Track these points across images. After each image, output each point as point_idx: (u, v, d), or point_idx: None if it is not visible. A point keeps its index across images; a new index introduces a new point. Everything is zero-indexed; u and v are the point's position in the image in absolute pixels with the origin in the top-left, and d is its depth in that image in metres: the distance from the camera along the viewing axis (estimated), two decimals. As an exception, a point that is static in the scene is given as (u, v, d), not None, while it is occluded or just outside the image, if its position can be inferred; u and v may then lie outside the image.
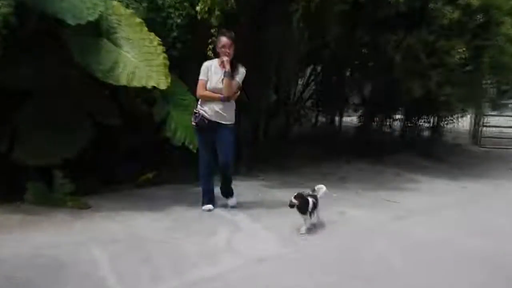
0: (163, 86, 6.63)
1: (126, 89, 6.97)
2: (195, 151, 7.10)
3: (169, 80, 6.67)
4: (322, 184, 6.58)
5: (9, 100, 6.87)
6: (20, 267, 4.76)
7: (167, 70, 6.72)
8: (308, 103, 12.95)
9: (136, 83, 6.48)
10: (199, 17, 7.37)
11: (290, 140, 11.51)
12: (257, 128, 9.76)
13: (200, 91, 6.50)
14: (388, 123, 13.47)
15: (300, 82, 12.32)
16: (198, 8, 7.32)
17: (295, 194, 5.97)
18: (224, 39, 6.42)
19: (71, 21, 6.32)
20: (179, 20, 7.59)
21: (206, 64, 6.55)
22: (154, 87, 6.60)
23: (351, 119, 14.02)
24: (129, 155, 7.74)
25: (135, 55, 6.75)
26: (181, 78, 7.56)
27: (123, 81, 6.44)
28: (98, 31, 6.75)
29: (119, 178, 7.57)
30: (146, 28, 6.96)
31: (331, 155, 11.00)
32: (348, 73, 12.84)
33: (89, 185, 6.97)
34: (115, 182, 7.48)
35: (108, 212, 6.40)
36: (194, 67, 6.82)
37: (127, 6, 7.08)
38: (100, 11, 6.61)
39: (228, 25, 7.22)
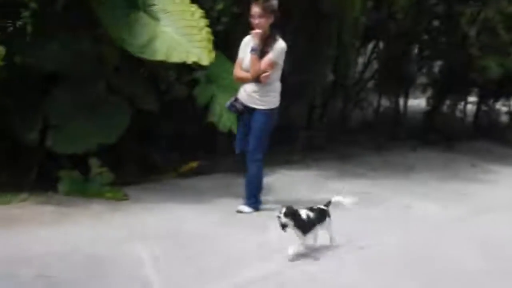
0: (205, 61, 6.57)
1: (165, 71, 6.95)
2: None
3: (212, 56, 6.63)
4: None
5: (40, 84, 7.02)
6: (54, 264, 4.75)
7: (210, 46, 6.66)
8: (370, 84, 12.71)
9: (175, 59, 6.49)
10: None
11: (349, 126, 11.43)
12: (312, 112, 9.65)
13: (235, 70, 6.41)
14: (460, 107, 13.13)
15: (360, 60, 12.10)
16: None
17: (284, 209, 4.98)
18: (253, 8, 6.17)
19: (104, -7, 6.36)
20: (225, -8, 7.52)
21: (245, 39, 6.39)
22: (196, 64, 6.62)
23: (418, 102, 13.95)
24: (170, 143, 7.79)
25: (175, 29, 6.75)
26: (228, 56, 7.47)
27: (160, 56, 6.45)
28: (134, 3, 6.83)
29: (160, 167, 7.64)
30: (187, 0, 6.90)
31: (395, 142, 10.96)
32: (415, 50, 12.54)
33: (128, 175, 7.07)
34: (155, 172, 7.56)
35: (149, 204, 6.47)
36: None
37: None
38: (135, -19, 6.64)
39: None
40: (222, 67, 7.34)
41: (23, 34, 6.46)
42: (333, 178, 8.28)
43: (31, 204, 6.24)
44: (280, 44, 6.24)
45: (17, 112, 7.02)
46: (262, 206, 6.55)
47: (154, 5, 6.85)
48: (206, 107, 7.31)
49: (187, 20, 6.74)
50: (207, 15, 6.95)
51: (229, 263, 4.94)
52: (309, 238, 5.15)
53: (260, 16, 6.12)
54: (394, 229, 6.04)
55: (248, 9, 6.84)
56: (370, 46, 12.37)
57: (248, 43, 6.30)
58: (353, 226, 6.01)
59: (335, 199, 5.54)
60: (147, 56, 6.45)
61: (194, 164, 7.81)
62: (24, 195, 6.43)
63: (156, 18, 6.77)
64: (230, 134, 7.36)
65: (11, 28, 6.96)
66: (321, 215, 5.32)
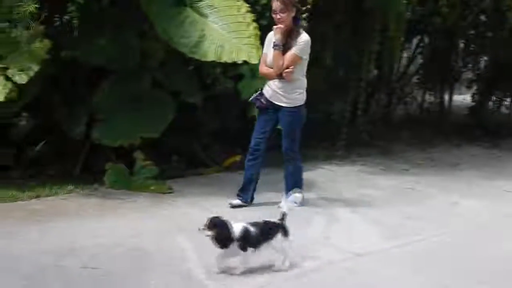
0: (254, 60, 6.52)
1: (211, 66, 7.00)
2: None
3: (260, 53, 6.50)
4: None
5: (87, 78, 7.15)
6: (98, 256, 4.82)
7: (258, 42, 6.59)
8: (414, 80, 12.57)
9: (225, 58, 6.47)
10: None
11: (393, 121, 11.36)
12: (355, 107, 9.60)
13: (259, 67, 6.31)
14: (506, 103, 12.90)
15: (404, 55, 11.98)
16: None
17: (210, 218, 4.41)
18: (273, 2, 6.05)
19: (151, -11, 6.46)
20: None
21: (269, 35, 6.23)
22: (245, 61, 6.59)
23: (463, 98, 13.73)
24: (213, 137, 7.82)
25: (222, 25, 6.74)
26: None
27: (211, 57, 6.46)
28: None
29: (204, 161, 7.70)
30: (236, -3, 6.89)
31: (439, 138, 10.81)
32: (461, 45, 12.34)
33: (172, 169, 7.21)
34: (199, 166, 7.63)
35: (193, 197, 6.52)
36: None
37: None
38: (184, -24, 6.72)
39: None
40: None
41: (70, 29, 6.56)
42: (376, 174, 8.23)
43: (77, 196, 6.38)
44: (304, 38, 6.08)
45: (64, 106, 7.25)
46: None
47: (201, 0, 6.86)
48: (250, 102, 7.32)
49: (234, 15, 6.74)
50: (252, 10, 6.95)
51: (272, 257, 4.82)
52: (248, 255, 4.49)
53: (282, 11, 5.98)
54: (440, 226, 5.96)
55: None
56: (415, 41, 12.17)
57: (271, 39, 6.17)
58: (399, 223, 6.01)
59: (284, 208, 4.79)
60: (198, 56, 6.50)
61: (237, 158, 7.81)
62: (70, 187, 6.61)
63: (203, 15, 6.79)
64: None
65: (58, 23, 7.13)
66: (269, 232, 4.57)
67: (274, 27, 6.06)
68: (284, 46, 6.01)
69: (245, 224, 4.48)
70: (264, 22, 7.26)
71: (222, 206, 6.22)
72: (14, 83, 6.29)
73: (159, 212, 6.09)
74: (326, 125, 9.29)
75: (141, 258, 4.85)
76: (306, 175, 7.19)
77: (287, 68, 6.01)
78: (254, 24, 6.78)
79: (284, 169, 6.42)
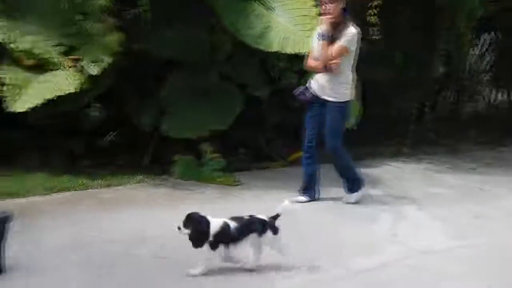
0: None
1: (277, 58, 7.01)
2: (350, 128, 7.06)
3: None
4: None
5: (155, 71, 7.28)
6: (168, 245, 4.87)
7: None
8: (483, 77, 12.31)
9: (289, 49, 6.56)
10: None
11: (461, 120, 11.17)
12: (423, 104, 9.49)
13: (305, 60, 6.17)
14: None
15: (474, 52, 11.75)
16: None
17: (187, 215, 4.22)
18: None
19: (221, -20, 6.68)
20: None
21: (318, 28, 6.03)
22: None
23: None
24: (277, 130, 7.85)
25: (288, 18, 6.82)
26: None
27: (275, 47, 6.57)
28: (250, -8, 6.98)
29: (269, 154, 7.83)
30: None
31: (509, 137, 10.53)
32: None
33: (239, 161, 7.35)
34: (265, 159, 7.75)
35: (259, 190, 6.59)
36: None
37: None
38: (250, -28, 6.92)
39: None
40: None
41: (141, 22, 6.76)
42: (443, 172, 8.09)
43: (146, 186, 6.55)
44: (352, 30, 5.90)
45: (134, 98, 7.42)
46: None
47: (267, -6, 6.85)
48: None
49: (299, 9, 6.82)
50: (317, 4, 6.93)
51: (338, 253, 4.95)
52: (215, 255, 4.26)
53: (330, 1, 5.84)
54: (508, 227, 5.81)
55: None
56: (485, 38, 11.92)
57: (319, 32, 6.03)
58: (466, 222, 5.92)
59: (282, 208, 4.50)
60: (262, 47, 6.56)
61: (302, 154, 7.79)
62: (139, 177, 6.80)
63: (270, 8, 6.91)
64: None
65: (129, 16, 7.26)
66: (254, 227, 4.36)
67: (321, 17, 5.97)
68: (332, 37, 5.87)
69: (225, 220, 4.25)
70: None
71: (287, 198, 6.17)
72: (87, 75, 6.54)
73: (226, 204, 6.14)
74: (394, 122, 9.21)
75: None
76: (373, 172, 7.30)
77: (334, 60, 5.87)
78: (319, 18, 6.76)
79: (336, 166, 6.32)
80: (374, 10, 7.16)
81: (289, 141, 7.94)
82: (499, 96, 12.54)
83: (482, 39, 11.96)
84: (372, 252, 4.99)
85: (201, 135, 7.15)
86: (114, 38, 6.79)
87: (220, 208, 5.90)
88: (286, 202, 4.62)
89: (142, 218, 5.53)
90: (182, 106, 7.24)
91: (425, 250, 5.06)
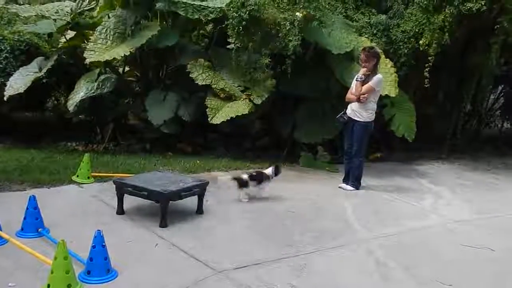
0: (393, 94, 7.00)
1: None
2: (411, 140, 7.08)
3: (396, 91, 7.02)
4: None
5: (292, 102, 7.62)
6: (295, 204, 5.24)
7: (396, 84, 7.11)
8: (496, 112, 11.72)
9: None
10: (421, 48, 7.34)
11: (480, 139, 10.69)
12: (455, 127, 9.26)
13: (347, 94, 6.01)
14: None
15: (491, 97, 11.24)
16: (421, 42, 7.30)
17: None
18: (361, 54, 5.87)
19: (335, 51, 7.03)
20: (406, 51, 7.55)
21: (357, 75, 5.97)
22: (386, 94, 6.82)
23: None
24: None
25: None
26: (406, 92, 7.68)
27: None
28: (352, 57, 7.24)
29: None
30: (383, 56, 7.01)
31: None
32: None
33: (338, 158, 7.17)
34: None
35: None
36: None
37: (371, 41, 7.40)
38: (353, 44, 7.27)
39: (440, 54, 7.20)
40: (402, 98, 7.63)
41: (286, 73, 6.80)
42: (468, 171, 7.92)
43: (284, 170, 6.35)
44: (378, 77, 5.81)
45: (278, 117, 7.91)
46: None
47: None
48: (390, 120, 7.51)
49: (383, 68, 6.65)
50: (394, 65, 7.20)
51: (398, 217, 5.07)
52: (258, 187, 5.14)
53: (366, 61, 5.78)
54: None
55: (421, 62, 6.79)
56: (499, 88, 11.37)
57: (356, 77, 5.91)
58: (484, 204, 5.74)
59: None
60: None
61: (379, 155, 8.21)
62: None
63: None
64: (401, 139, 7.60)
65: (279, 69, 7.50)
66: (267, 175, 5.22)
67: (361, 68, 5.87)
68: (364, 80, 5.80)
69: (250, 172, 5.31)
70: (401, 73, 7.36)
71: (369, 183, 6.22)
72: (254, 104, 6.94)
73: (329, 182, 6.42)
74: (436, 138, 9.00)
75: (318, 209, 5.19)
76: (421, 168, 7.58)
77: (364, 94, 5.75)
78: (395, 74, 7.10)
79: (351, 163, 5.95)
80: (427, 68, 7.10)
81: (370, 147, 7.93)
82: (505, 125, 11.80)
83: (499, 88, 11.34)
84: (419, 218, 5.13)
85: (317, 141, 7.51)
86: (270, 83, 7.16)
87: (326, 183, 6.37)
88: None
89: (280, 187, 5.58)
90: (307, 123, 7.45)
91: (456, 220, 5.17)
